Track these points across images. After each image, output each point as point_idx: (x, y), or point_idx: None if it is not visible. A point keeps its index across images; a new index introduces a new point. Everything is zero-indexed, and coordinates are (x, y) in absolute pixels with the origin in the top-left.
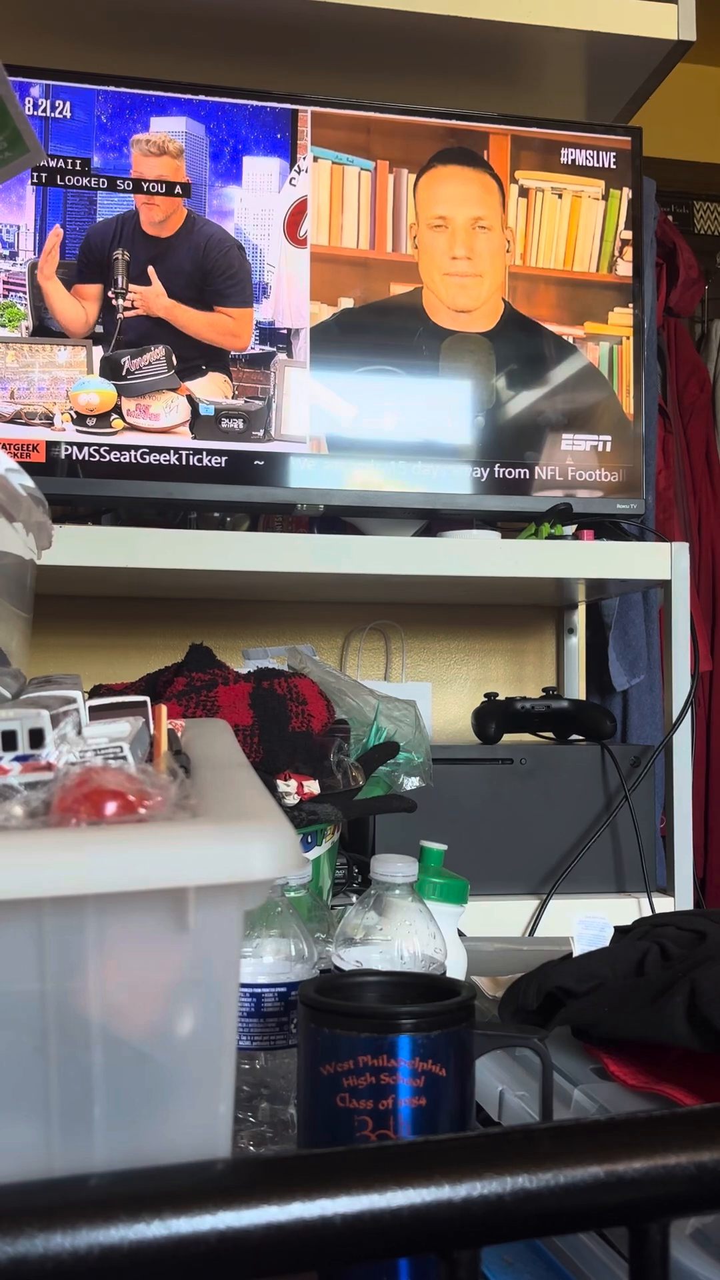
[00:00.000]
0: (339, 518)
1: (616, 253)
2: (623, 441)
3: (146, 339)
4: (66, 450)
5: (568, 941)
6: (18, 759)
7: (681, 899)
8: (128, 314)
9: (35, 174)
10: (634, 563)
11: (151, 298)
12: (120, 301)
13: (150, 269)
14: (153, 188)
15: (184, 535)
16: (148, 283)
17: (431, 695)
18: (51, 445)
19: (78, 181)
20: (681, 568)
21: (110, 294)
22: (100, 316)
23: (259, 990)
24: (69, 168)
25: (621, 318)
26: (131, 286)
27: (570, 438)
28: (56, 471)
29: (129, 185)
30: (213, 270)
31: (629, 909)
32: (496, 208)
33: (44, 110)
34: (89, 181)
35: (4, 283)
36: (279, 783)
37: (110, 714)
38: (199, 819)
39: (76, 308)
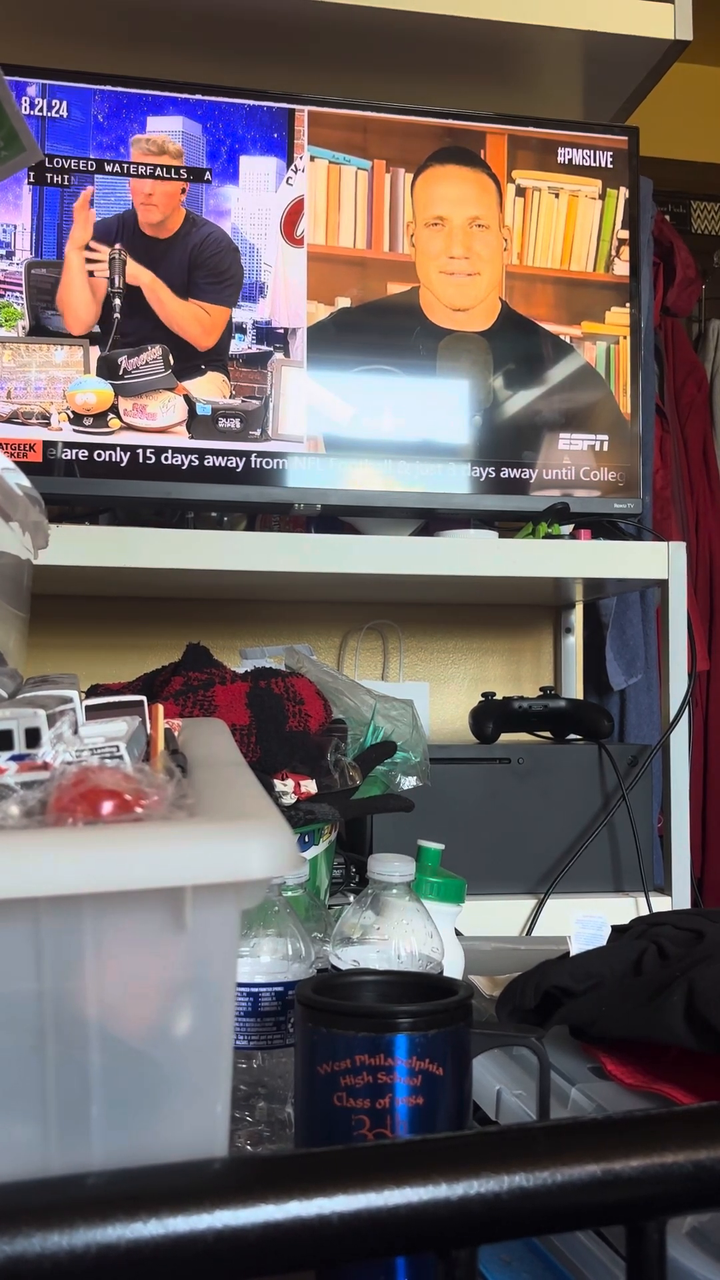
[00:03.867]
0: (336, 517)
1: (613, 252)
2: (620, 441)
3: (143, 337)
4: (63, 450)
5: (565, 941)
6: (14, 758)
7: (679, 898)
8: (119, 296)
9: (31, 173)
10: (631, 562)
11: (134, 269)
12: (117, 301)
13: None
14: (154, 171)
15: (181, 535)
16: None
17: (429, 695)
18: (48, 445)
19: (80, 167)
20: (679, 567)
21: (109, 292)
22: (99, 315)
23: (256, 989)
24: (66, 167)
25: (618, 317)
26: (120, 248)
27: (567, 437)
28: (53, 471)
29: (128, 170)
30: (203, 266)
31: (626, 908)
32: (493, 207)
33: (41, 110)
34: (90, 166)
35: (0, 282)
36: (276, 782)
37: (107, 713)
38: (196, 818)
39: (87, 294)
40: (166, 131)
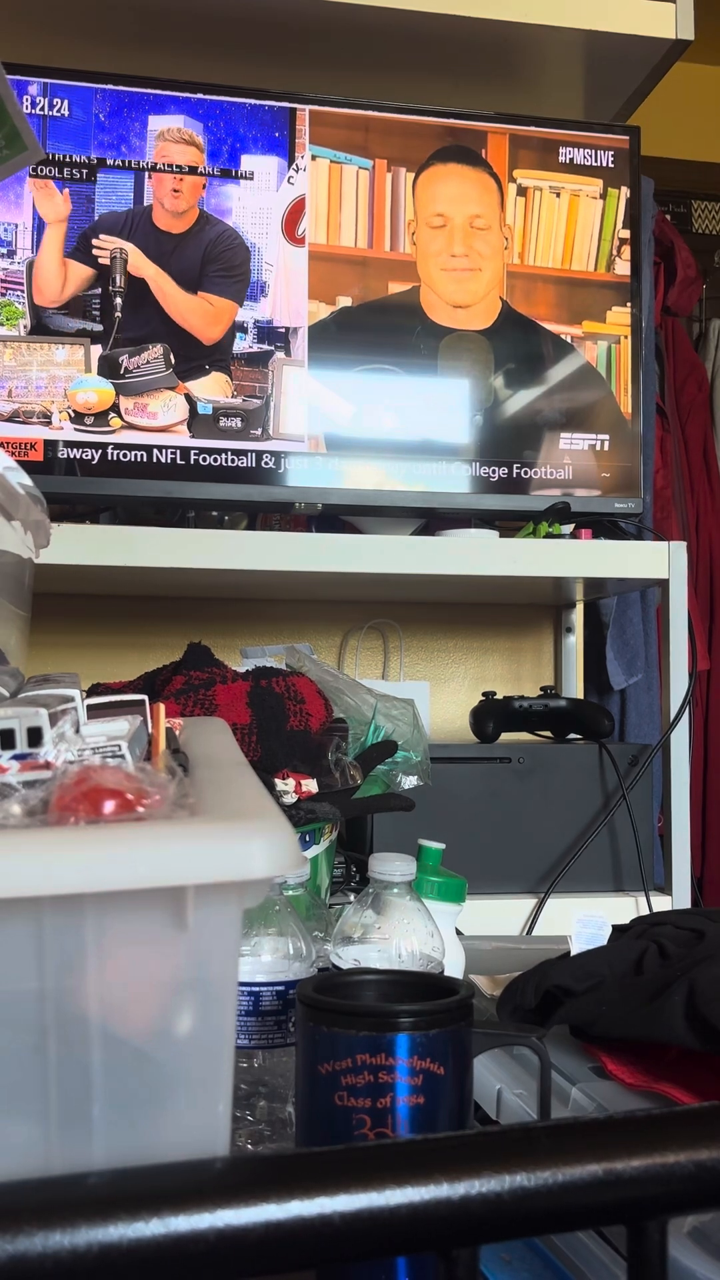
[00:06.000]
0: (337, 516)
1: (614, 252)
2: (621, 440)
3: (145, 335)
4: (64, 449)
5: (566, 940)
6: (16, 757)
7: (679, 898)
8: (120, 294)
9: (33, 171)
10: (632, 562)
11: (138, 261)
12: (118, 300)
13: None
14: (170, 166)
15: (182, 534)
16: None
17: (429, 694)
18: (50, 444)
19: (81, 174)
20: (679, 567)
21: (109, 290)
22: (99, 314)
23: (257, 989)
24: (68, 162)
25: (619, 317)
26: (120, 243)
27: (568, 437)
28: (55, 470)
29: (144, 167)
30: (215, 260)
31: (627, 908)
32: (495, 206)
33: (42, 108)
34: (105, 169)
35: (2, 281)
36: (277, 781)
37: (108, 712)
38: (198, 818)
39: (57, 276)
40: (169, 129)
